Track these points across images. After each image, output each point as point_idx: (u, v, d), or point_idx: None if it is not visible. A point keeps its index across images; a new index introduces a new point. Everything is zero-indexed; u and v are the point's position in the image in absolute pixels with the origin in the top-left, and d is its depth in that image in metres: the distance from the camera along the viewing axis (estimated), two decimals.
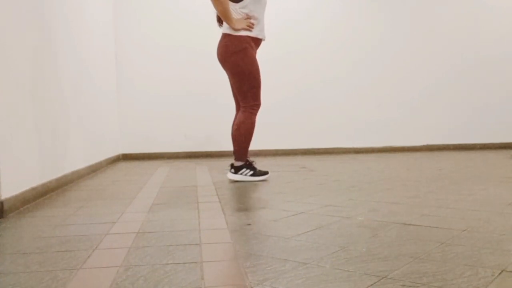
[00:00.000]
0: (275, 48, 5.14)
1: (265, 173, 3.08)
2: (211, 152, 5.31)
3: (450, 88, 5.86)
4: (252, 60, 2.99)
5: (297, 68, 5.48)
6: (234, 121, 3.19)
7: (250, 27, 2.95)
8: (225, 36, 3.02)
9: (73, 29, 3.27)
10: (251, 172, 3.03)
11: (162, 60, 5.20)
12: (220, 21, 3.13)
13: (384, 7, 5.69)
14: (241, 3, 2.94)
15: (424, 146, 5.82)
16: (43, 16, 2.60)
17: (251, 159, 3.13)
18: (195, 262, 1.26)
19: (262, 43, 3.13)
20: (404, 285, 1.05)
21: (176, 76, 5.23)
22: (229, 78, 3.16)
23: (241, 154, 3.02)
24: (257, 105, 3.04)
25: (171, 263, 1.26)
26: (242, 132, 3.00)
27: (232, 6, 2.94)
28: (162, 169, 3.94)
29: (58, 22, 2.89)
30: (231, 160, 3.14)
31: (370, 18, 5.66)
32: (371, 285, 1.06)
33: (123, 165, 4.43)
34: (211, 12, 3.21)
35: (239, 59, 2.96)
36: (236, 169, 3.02)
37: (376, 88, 5.68)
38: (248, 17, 2.95)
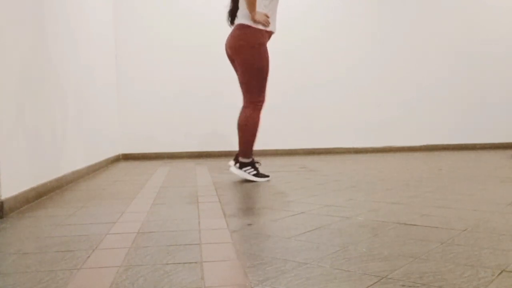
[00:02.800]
0: (275, 48, 5.13)
1: (266, 176, 3.08)
2: (211, 152, 5.31)
3: (450, 88, 5.86)
4: (267, 56, 2.99)
5: (297, 68, 5.48)
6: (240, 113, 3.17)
7: (267, 22, 2.95)
8: (243, 26, 2.96)
9: (73, 29, 3.27)
10: (254, 172, 3.03)
11: (162, 60, 5.20)
12: (232, 19, 3.12)
13: (384, 7, 5.69)
14: None
15: (424, 146, 5.82)
16: (43, 16, 2.60)
17: (256, 159, 3.14)
18: (195, 262, 1.26)
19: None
20: (404, 285, 1.05)
21: (176, 76, 5.23)
22: (236, 71, 3.14)
23: (247, 150, 3.02)
24: (262, 101, 3.03)
25: (171, 263, 1.26)
26: (248, 128, 2.99)
27: None
28: (162, 169, 3.94)
29: (58, 21, 2.89)
30: (231, 160, 3.14)
31: (370, 18, 5.66)
32: (371, 285, 1.06)
33: (123, 165, 4.43)
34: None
35: (256, 53, 2.95)
36: (241, 165, 3.02)
37: (376, 88, 5.68)
38: (267, 15, 2.95)
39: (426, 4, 5.78)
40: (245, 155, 3.02)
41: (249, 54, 2.95)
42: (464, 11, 5.87)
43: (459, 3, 5.85)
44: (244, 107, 3.03)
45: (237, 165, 3.03)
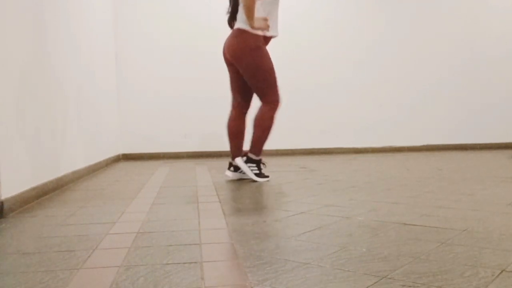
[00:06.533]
0: (275, 48, 5.13)
1: (266, 176, 3.09)
2: (211, 152, 5.31)
3: (450, 88, 5.86)
4: (269, 57, 2.99)
5: (297, 68, 5.48)
6: (230, 118, 3.17)
7: (266, 27, 2.94)
8: (242, 31, 2.96)
9: (73, 29, 3.27)
10: (257, 171, 3.04)
11: (162, 60, 5.20)
12: (231, 23, 3.11)
13: (385, 7, 5.69)
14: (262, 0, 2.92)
15: (424, 146, 5.82)
16: (43, 15, 2.60)
17: (263, 161, 3.14)
18: (195, 262, 1.26)
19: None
20: (404, 285, 1.05)
21: (176, 76, 5.23)
22: (231, 75, 3.12)
23: (258, 148, 3.03)
24: (278, 100, 3.02)
25: (171, 263, 1.26)
26: (264, 126, 2.99)
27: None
28: (162, 169, 3.94)
29: (58, 21, 2.89)
30: (227, 170, 3.14)
31: (370, 18, 5.66)
32: (371, 285, 1.06)
33: (123, 165, 4.43)
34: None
35: (257, 56, 2.94)
36: (248, 160, 3.02)
37: (376, 88, 5.68)
38: (266, 19, 2.94)
39: (426, 5, 5.78)
40: (255, 152, 3.03)
41: (251, 58, 2.94)
42: (464, 12, 5.87)
43: (460, 4, 5.85)
44: (261, 106, 3.02)
45: (244, 158, 3.03)
